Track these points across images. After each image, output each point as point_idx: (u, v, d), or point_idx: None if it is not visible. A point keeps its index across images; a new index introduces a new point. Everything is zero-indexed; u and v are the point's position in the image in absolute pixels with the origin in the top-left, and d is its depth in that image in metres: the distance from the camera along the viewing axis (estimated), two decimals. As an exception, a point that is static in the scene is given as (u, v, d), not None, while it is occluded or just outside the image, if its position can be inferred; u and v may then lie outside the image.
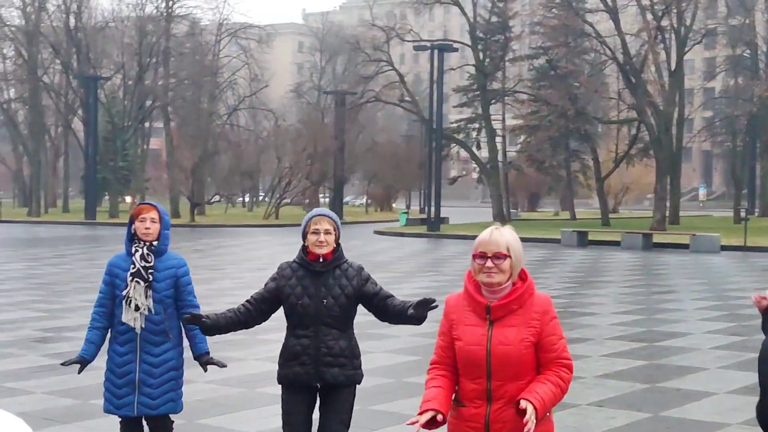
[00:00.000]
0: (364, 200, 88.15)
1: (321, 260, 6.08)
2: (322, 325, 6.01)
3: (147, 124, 75.84)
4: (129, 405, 6.58)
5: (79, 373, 6.83)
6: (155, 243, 6.65)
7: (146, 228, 6.62)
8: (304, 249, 6.13)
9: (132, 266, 6.59)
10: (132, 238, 6.69)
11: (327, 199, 77.21)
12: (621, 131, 64.00)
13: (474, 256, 4.51)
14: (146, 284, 6.56)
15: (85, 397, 10.14)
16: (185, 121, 70.15)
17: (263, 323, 6.35)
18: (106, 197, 72.92)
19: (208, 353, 6.74)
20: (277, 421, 6.29)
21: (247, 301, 6.22)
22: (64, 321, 15.75)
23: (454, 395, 4.62)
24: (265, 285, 6.20)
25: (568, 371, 4.53)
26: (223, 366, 6.82)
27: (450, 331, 4.60)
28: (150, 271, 6.60)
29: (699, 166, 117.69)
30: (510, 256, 4.48)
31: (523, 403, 4.34)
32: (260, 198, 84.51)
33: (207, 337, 6.62)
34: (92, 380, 11.01)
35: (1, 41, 73.00)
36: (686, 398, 10.10)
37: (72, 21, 68.53)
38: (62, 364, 6.86)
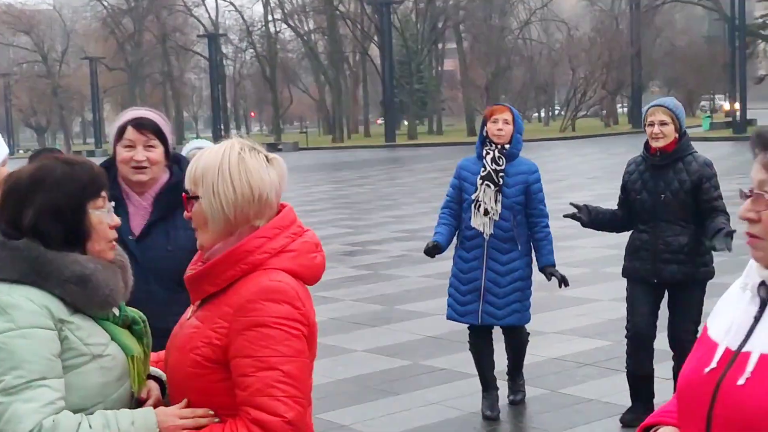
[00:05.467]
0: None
1: (658, 153, 5.95)
2: (660, 221, 5.92)
3: (440, 46, 76.69)
4: (473, 313, 6.33)
5: (432, 256, 6.48)
6: (507, 146, 6.34)
7: (498, 129, 6.30)
8: (646, 142, 6.04)
9: (482, 169, 6.31)
10: (484, 140, 6.42)
11: (625, 109, 75.20)
12: None
13: None
14: (496, 188, 6.27)
15: (390, 303, 10.51)
16: (477, 39, 70.27)
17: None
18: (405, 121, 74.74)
19: (553, 265, 6.36)
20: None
21: (618, 205, 6.25)
22: (369, 236, 16.38)
23: None
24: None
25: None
26: (566, 283, 6.36)
27: None
28: (501, 174, 6.28)
29: None
30: (199, 197, 2.48)
31: None
32: (556, 112, 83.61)
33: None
34: (397, 288, 11.44)
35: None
36: None
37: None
38: (425, 253, 6.44)
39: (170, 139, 3.90)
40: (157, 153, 3.83)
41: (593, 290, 10.47)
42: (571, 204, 6.30)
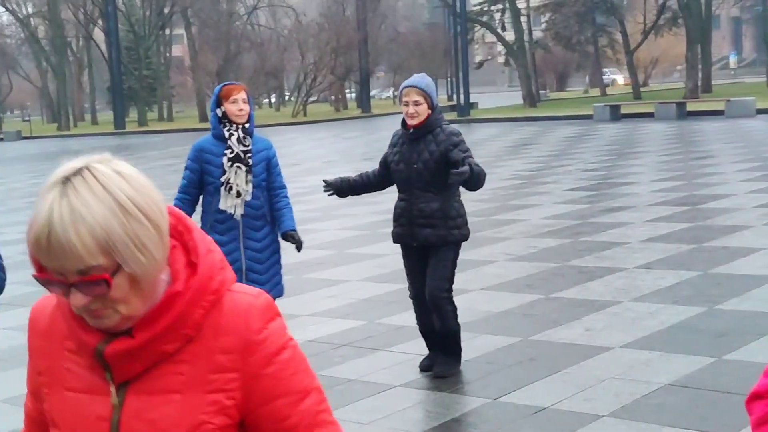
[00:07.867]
0: (391, 92, 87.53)
1: (411, 128, 6.43)
2: (414, 189, 6.42)
3: (168, 31, 75.31)
4: None
5: None
6: (246, 125, 6.32)
7: (239, 109, 6.25)
8: (403, 119, 6.47)
9: (229, 150, 6.25)
10: (220, 121, 6.32)
11: (353, 94, 76.67)
12: (648, 1, 62.73)
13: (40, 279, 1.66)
14: (247, 169, 6.28)
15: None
16: (206, 24, 69.54)
17: (389, 187, 6.88)
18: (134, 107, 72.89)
19: (294, 230, 6.50)
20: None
21: (375, 168, 6.77)
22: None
23: None
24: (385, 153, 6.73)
25: None
26: (299, 248, 6.60)
27: (40, 390, 1.84)
28: (249, 155, 6.29)
29: (728, 34, 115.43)
30: (120, 266, 1.62)
31: None
32: (287, 97, 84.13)
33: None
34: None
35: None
36: (734, 255, 10.07)
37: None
38: None
39: None
40: None
41: (341, 271, 10.67)
42: (325, 181, 6.81)
